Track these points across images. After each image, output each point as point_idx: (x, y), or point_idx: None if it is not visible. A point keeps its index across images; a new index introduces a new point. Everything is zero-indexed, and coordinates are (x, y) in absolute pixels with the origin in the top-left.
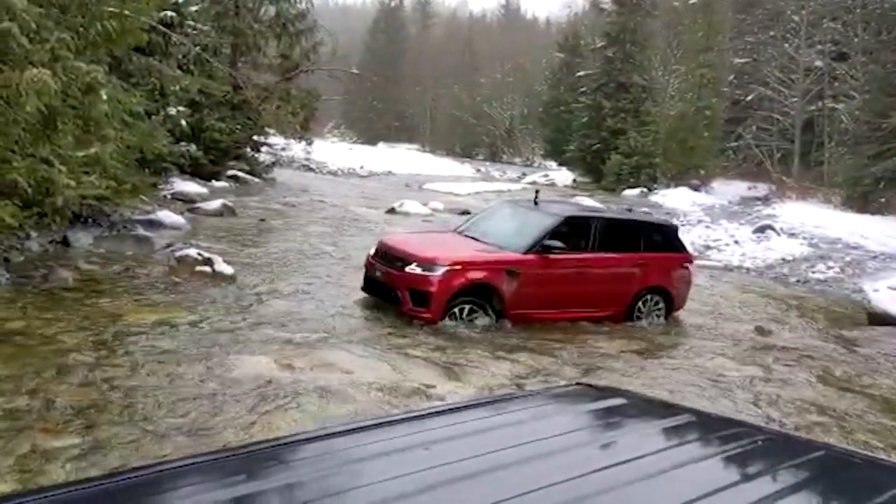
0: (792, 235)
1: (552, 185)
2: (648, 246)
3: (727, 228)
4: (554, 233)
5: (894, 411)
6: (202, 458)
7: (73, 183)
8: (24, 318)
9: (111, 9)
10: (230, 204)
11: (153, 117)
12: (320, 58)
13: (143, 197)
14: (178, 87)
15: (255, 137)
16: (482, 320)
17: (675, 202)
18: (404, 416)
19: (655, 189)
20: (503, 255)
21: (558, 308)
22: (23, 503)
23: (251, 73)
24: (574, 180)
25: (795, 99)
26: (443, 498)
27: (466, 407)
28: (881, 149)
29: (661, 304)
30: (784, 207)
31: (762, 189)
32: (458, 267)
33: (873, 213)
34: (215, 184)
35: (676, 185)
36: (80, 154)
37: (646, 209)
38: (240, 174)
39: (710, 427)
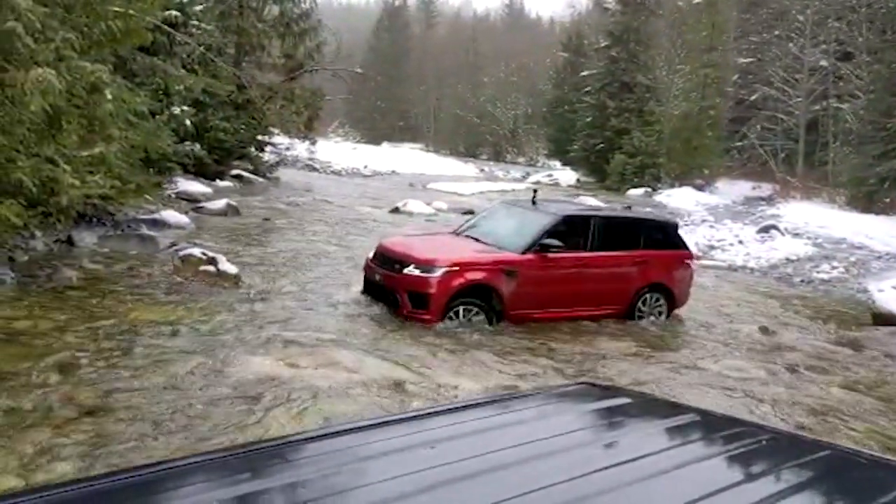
0: (796, 235)
1: (556, 184)
2: (648, 243)
3: (731, 228)
4: (552, 232)
5: None
6: (203, 458)
7: (77, 182)
8: (29, 317)
9: (116, 8)
10: (234, 203)
11: (157, 117)
12: (324, 57)
13: (148, 196)
14: (182, 87)
15: (259, 137)
16: (482, 321)
17: (678, 202)
18: (406, 415)
19: (659, 189)
20: (501, 255)
21: (559, 307)
22: (23, 503)
23: (255, 73)
24: (578, 180)
25: (800, 98)
26: (445, 497)
27: (468, 406)
28: (886, 148)
29: (663, 302)
30: (788, 207)
31: (766, 189)
32: (456, 268)
33: (878, 212)
34: (219, 183)
35: (680, 185)
36: (85, 153)
37: (649, 209)
38: (244, 174)
39: (714, 426)
